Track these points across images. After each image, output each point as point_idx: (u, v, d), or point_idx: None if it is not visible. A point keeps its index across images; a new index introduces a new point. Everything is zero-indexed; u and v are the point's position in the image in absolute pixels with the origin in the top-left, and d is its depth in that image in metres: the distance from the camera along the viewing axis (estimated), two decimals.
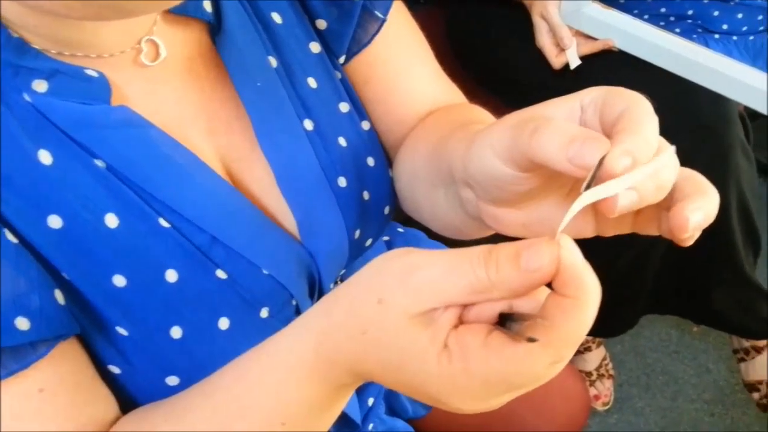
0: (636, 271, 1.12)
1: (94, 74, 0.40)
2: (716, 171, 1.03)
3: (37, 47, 0.38)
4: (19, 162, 0.37)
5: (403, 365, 0.31)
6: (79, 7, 0.33)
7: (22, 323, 0.35)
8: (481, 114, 0.55)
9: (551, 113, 0.36)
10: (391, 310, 0.31)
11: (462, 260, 0.30)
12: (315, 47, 0.51)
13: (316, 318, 0.35)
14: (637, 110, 0.32)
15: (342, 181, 0.51)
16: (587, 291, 0.29)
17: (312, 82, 0.50)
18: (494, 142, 0.35)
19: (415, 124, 0.56)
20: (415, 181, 0.52)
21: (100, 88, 0.40)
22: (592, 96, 0.35)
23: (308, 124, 0.49)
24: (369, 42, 0.53)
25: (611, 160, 0.30)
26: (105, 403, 0.42)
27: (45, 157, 0.38)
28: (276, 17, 0.49)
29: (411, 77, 0.56)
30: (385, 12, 0.53)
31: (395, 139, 0.57)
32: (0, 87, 0.37)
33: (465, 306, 0.31)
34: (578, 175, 0.31)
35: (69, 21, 0.37)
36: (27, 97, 0.38)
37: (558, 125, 0.32)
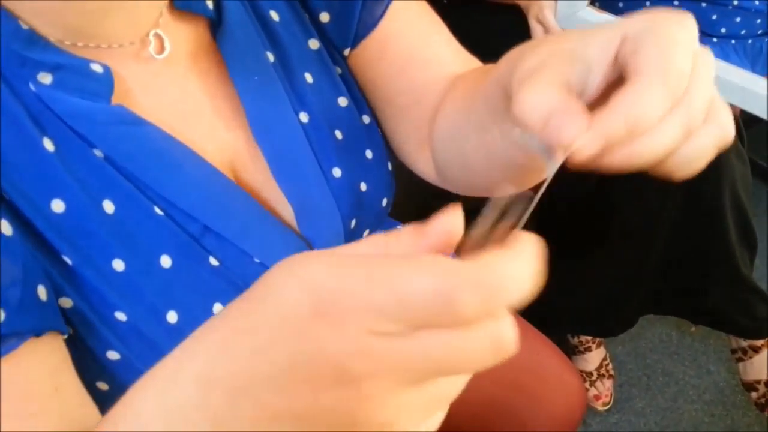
0: (634, 271, 1.14)
1: (99, 69, 0.42)
2: (710, 172, 1.04)
3: (47, 37, 0.40)
4: (26, 148, 0.40)
5: None
6: None
7: None
8: None
9: (584, 48, 0.34)
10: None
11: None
12: (314, 44, 0.53)
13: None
14: (653, 66, 0.31)
15: (336, 171, 0.53)
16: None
17: (309, 77, 0.52)
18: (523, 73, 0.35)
19: (444, 90, 0.55)
20: (463, 135, 0.50)
21: (102, 84, 0.42)
22: (634, 30, 0.33)
23: (303, 117, 0.51)
24: (375, 24, 0.54)
25: (581, 148, 0.31)
26: (82, 409, 0.41)
27: (48, 144, 0.40)
28: (274, 15, 0.51)
29: (428, 45, 0.56)
30: None
31: (424, 110, 0.56)
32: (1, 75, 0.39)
33: None
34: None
35: (76, 7, 0.39)
36: (32, 87, 0.40)
37: (540, 93, 0.32)
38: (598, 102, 0.33)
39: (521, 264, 0.23)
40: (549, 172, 0.32)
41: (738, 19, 1.22)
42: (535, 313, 0.69)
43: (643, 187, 1.02)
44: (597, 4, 1.20)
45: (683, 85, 0.32)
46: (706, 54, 0.33)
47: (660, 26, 0.32)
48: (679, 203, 1.01)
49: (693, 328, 1.45)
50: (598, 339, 1.36)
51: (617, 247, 1.13)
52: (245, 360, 0.24)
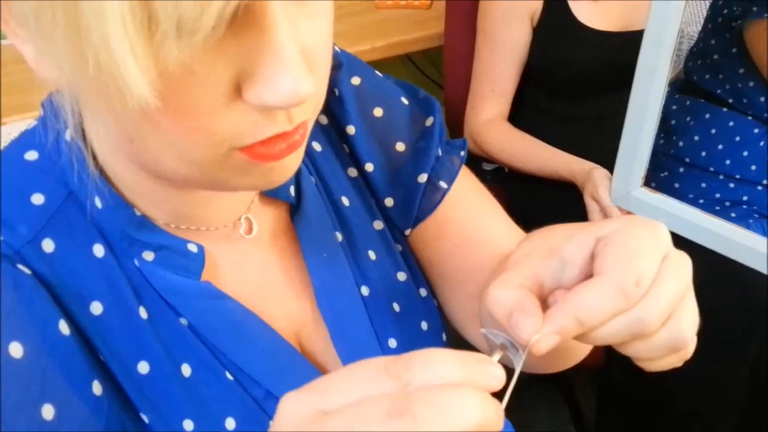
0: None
1: (194, 249, 0.48)
2: None
3: (155, 220, 0.47)
4: (124, 315, 0.45)
5: None
6: (196, 180, 0.39)
7: None
8: None
9: (562, 245, 0.38)
10: None
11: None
12: (378, 225, 0.59)
13: None
14: (610, 268, 0.34)
15: (392, 342, 0.56)
16: None
17: (372, 254, 0.58)
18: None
19: (493, 269, 0.58)
20: None
21: (195, 262, 0.48)
22: (606, 232, 0.37)
23: (365, 290, 0.56)
24: (433, 209, 0.59)
25: (536, 344, 0.34)
26: None
27: (143, 312, 0.46)
28: (345, 200, 0.58)
29: (482, 228, 0.60)
30: (450, 182, 0.59)
31: (475, 286, 0.59)
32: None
33: None
34: None
35: (187, 197, 0.47)
36: (137, 263, 0.47)
37: (505, 290, 0.36)
38: None
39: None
40: (516, 364, 0.35)
41: None
42: None
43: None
44: (653, 184, 1.25)
45: (640, 289, 0.34)
46: (681, 260, 0.36)
47: (628, 231, 0.36)
48: None
49: None
50: None
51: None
52: None
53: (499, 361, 0.31)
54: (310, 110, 0.39)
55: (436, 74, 1.88)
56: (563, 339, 0.35)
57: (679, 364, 0.38)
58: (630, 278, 0.34)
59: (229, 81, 0.34)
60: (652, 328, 0.35)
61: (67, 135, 0.44)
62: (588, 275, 0.37)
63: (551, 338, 0.34)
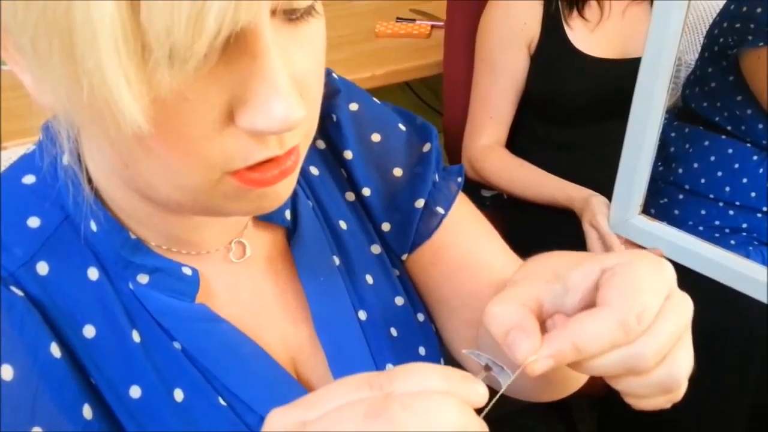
0: None
1: (188, 272, 0.48)
2: None
3: (149, 242, 0.47)
4: (116, 338, 0.45)
5: None
6: (190, 206, 0.40)
7: None
8: None
9: (567, 271, 0.38)
10: None
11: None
12: (375, 249, 0.59)
13: None
14: (613, 301, 0.34)
15: (390, 367, 0.56)
16: None
17: (369, 279, 0.58)
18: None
19: (491, 296, 0.59)
20: None
21: (190, 285, 0.48)
22: (612, 264, 0.37)
23: (362, 315, 0.56)
24: (430, 234, 0.59)
25: (531, 365, 0.34)
26: None
27: (136, 335, 0.46)
28: (342, 224, 0.58)
29: (479, 254, 0.60)
30: (447, 207, 0.60)
31: (472, 312, 0.59)
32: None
33: None
34: None
35: (181, 222, 0.47)
36: (131, 286, 0.47)
37: (505, 308, 0.36)
38: None
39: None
40: (502, 383, 0.35)
41: None
42: None
43: None
44: (653, 211, 1.25)
45: (642, 324, 0.34)
46: (682, 299, 0.36)
47: (634, 266, 0.36)
48: None
49: None
50: None
51: None
52: None
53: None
54: (301, 135, 0.40)
55: (435, 101, 1.89)
56: (557, 364, 0.35)
57: (667, 405, 0.38)
58: (632, 312, 0.34)
59: (221, 107, 0.34)
60: (648, 364, 0.35)
61: (65, 159, 0.45)
62: (589, 304, 0.37)
63: (546, 361, 0.35)
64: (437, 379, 0.29)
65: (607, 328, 0.34)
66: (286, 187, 0.40)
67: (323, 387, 0.31)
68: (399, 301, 0.59)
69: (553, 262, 0.40)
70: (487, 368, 0.36)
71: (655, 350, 0.35)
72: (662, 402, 0.37)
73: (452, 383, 0.29)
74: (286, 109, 0.33)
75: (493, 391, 0.32)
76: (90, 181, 0.45)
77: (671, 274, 0.37)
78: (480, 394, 0.30)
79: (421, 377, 0.29)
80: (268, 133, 0.35)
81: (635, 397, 0.37)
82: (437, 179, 0.60)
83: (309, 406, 0.30)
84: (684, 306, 0.36)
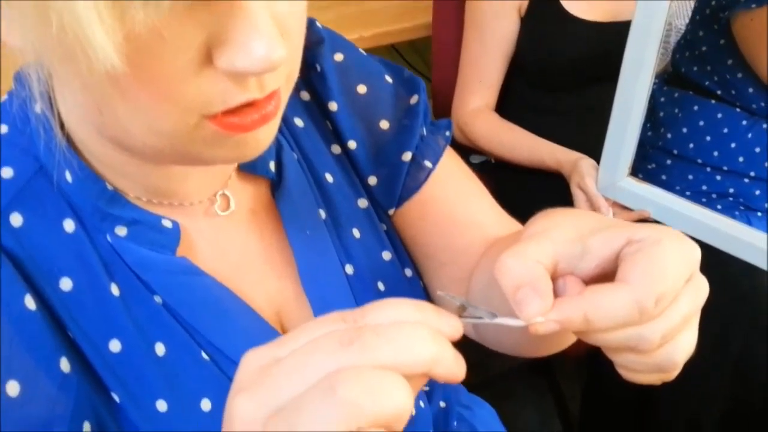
0: None
1: (169, 224, 0.47)
2: (754, 342, 1.03)
3: (127, 194, 0.46)
4: (94, 291, 0.44)
5: None
6: (167, 152, 0.38)
7: None
8: None
9: (590, 234, 0.36)
10: None
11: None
12: (362, 203, 0.58)
13: None
14: (635, 277, 0.33)
15: None
16: None
17: (356, 233, 0.57)
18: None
19: (482, 253, 0.58)
20: (493, 296, 0.52)
21: (170, 238, 0.47)
22: (639, 237, 0.35)
23: (349, 269, 0.55)
24: (418, 188, 0.58)
25: (537, 324, 0.34)
26: None
27: (115, 289, 0.45)
28: (328, 177, 0.57)
29: (468, 209, 0.59)
30: (435, 161, 0.58)
31: (462, 270, 0.58)
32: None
33: None
34: None
35: (160, 171, 0.45)
36: (109, 238, 0.45)
37: (519, 262, 0.35)
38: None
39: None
40: (479, 323, 0.35)
41: None
42: None
43: None
44: (640, 176, 1.25)
45: (658, 308, 0.33)
46: (700, 283, 0.35)
47: (662, 245, 0.34)
48: None
49: None
50: None
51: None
52: None
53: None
54: (283, 78, 0.38)
55: (422, 65, 1.87)
56: (562, 329, 0.34)
57: (658, 383, 0.37)
58: (652, 296, 0.33)
59: (199, 47, 0.33)
60: (652, 346, 0.34)
61: (37, 107, 0.43)
62: (605, 271, 0.36)
63: (552, 324, 0.34)
64: (411, 311, 0.30)
65: (623, 306, 0.33)
66: (267, 133, 0.39)
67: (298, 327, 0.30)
68: (386, 255, 0.58)
69: (576, 220, 0.38)
70: (462, 308, 0.36)
71: (663, 334, 0.34)
72: (654, 379, 0.37)
73: (426, 314, 0.30)
74: (266, 49, 0.32)
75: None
76: (63, 127, 0.43)
77: (697, 256, 0.35)
78: (453, 326, 0.30)
79: (394, 310, 0.30)
80: (247, 74, 0.34)
81: (629, 371, 0.37)
82: (425, 133, 0.59)
83: (282, 343, 0.30)
84: (701, 289, 0.35)
